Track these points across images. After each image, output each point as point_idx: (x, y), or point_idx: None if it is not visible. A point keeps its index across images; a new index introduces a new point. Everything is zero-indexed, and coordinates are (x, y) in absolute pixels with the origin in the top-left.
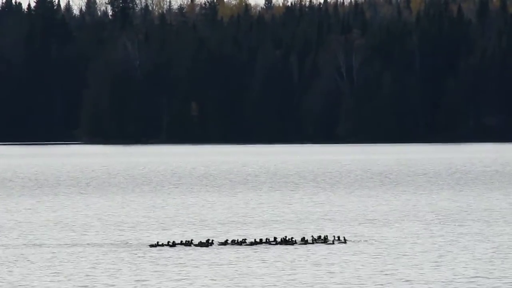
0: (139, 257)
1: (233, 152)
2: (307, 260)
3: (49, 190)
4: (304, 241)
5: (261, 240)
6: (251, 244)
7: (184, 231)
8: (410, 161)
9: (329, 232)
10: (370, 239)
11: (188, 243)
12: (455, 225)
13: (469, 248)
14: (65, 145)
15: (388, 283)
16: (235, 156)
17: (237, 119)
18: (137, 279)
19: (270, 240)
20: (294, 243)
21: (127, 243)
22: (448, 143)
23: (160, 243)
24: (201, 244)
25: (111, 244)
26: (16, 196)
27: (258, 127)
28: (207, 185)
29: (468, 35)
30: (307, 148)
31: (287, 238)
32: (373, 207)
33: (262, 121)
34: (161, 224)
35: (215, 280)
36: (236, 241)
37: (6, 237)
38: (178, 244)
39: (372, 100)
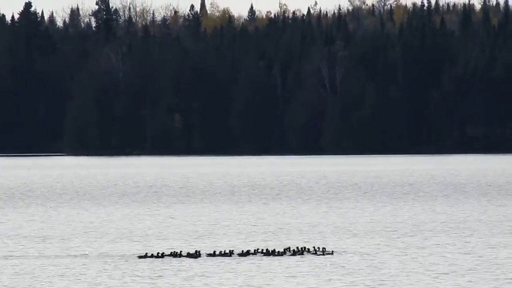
0: (128, 268)
1: (214, 164)
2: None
3: (23, 201)
4: (290, 252)
5: (248, 251)
6: (240, 255)
7: (169, 243)
8: (391, 172)
9: (312, 243)
10: (345, 251)
11: (177, 255)
12: (431, 236)
13: (447, 259)
14: (48, 157)
15: None
16: (216, 167)
17: (220, 131)
18: None
19: (258, 251)
20: (281, 254)
21: (108, 255)
22: (432, 155)
23: (148, 255)
24: (189, 255)
25: (92, 255)
26: None
27: (242, 138)
28: (187, 196)
29: (451, 47)
30: (291, 160)
31: (273, 250)
32: (349, 218)
33: (245, 133)
34: (144, 236)
35: None
36: (224, 252)
37: None
38: (167, 255)
39: (355, 111)
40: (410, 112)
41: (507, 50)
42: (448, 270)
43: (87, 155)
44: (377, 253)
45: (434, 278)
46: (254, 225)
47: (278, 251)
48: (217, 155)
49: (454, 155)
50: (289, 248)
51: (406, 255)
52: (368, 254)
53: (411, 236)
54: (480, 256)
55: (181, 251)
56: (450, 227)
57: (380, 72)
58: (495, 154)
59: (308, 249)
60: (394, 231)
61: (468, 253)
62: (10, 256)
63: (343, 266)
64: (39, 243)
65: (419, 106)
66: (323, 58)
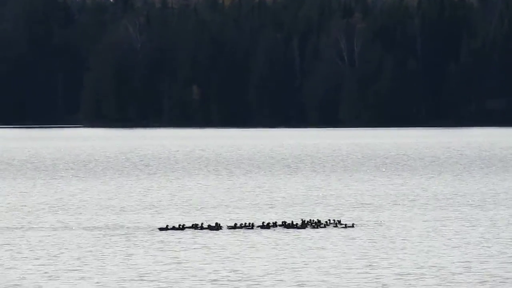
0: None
1: (233, 136)
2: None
3: (45, 173)
4: (313, 225)
5: (268, 224)
6: (261, 227)
7: (184, 215)
8: (408, 145)
9: (329, 216)
10: (363, 223)
11: (198, 227)
12: (448, 209)
13: (461, 232)
14: (66, 129)
15: (380, 267)
16: (234, 139)
17: (238, 103)
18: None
19: (278, 223)
20: (303, 227)
21: (124, 226)
22: (450, 127)
23: (170, 227)
24: (210, 228)
25: (108, 227)
26: (11, 179)
27: (260, 111)
28: (204, 168)
29: (470, 19)
30: (309, 132)
31: (294, 223)
32: (367, 191)
33: (263, 105)
34: (162, 208)
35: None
36: (244, 225)
37: None
38: (187, 227)
39: (373, 84)
40: (428, 85)
41: None
42: (462, 242)
43: (104, 127)
44: (396, 227)
45: (446, 251)
46: (270, 198)
47: (296, 224)
48: (235, 127)
49: (473, 128)
50: (310, 220)
51: (427, 227)
52: (388, 226)
53: (429, 209)
54: (490, 229)
55: (202, 224)
56: (467, 200)
57: (398, 45)
58: None
59: (327, 221)
60: (413, 203)
61: (479, 226)
62: (32, 227)
63: (362, 239)
64: (66, 215)
65: (438, 79)
66: (341, 31)
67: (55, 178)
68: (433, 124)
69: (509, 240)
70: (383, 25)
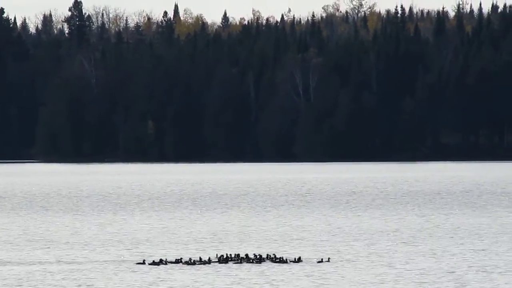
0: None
1: (184, 171)
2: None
3: None
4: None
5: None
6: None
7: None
8: (362, 179)
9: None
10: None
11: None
12: (402, 243)
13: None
14: (20, 164)
15: None
16: (184, 175)
17: (194, 138)
18: None
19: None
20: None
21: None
22: (406, 162)
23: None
24: (153, 263)
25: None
26: None
27: (215, 145)
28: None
29: (425, 54)
30: (263, 167)
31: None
32: (303, 226)
33: (219, 140)
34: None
35: None
36: (189, 261)
37: None
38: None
39: (329, 118)
40: (384, 120)
41: (480, 57)
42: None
43: (59, 162)
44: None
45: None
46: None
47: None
48: (190, 162)
49: (428, 162)
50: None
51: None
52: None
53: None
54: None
55: (181, 258)
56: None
57: (353, 79)
58: (468, 161)
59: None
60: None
61: (431, 257)
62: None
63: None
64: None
65: (393, 114)
66: (297, 65)
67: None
68: (389, 159)
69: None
70: (338, 60)
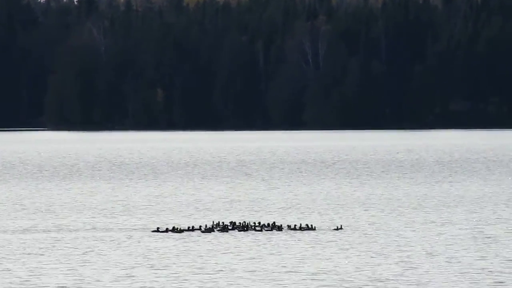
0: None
1: (193, 139)
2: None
3: (8, 176)
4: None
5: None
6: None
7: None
8: (367, 147)
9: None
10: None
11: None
12: (401, 213)
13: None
14: (29, 132)
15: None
16: (192, 143)
17: (203, 106)
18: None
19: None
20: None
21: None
22: (415, 130)
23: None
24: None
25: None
26: None
27: (224, 113)
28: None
29: (434, 22)
30: (272, 135)
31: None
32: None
33: (228, 108)
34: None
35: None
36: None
37: None
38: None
39: (338, 86)
40: (393, 87)
41: (489, 25)
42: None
43: (69, 130)
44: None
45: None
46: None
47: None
48: (199, 130)
49: (437, 130)
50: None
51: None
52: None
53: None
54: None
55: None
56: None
57: (362, 47)
58: (477, 129)
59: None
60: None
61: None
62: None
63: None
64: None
65: (402, 81)
66: (306, 33)
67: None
68: (398, 127)
69: (459, 239)
70: (347, 27)
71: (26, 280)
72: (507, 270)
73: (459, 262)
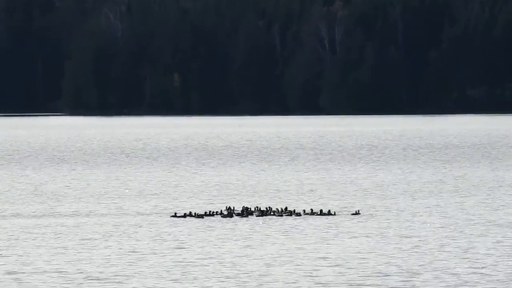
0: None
1: (209, 124)
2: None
3: (28, 162)
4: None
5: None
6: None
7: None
8: (387, 133)
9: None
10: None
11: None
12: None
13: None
14: (46, 117)
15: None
16: (213, 128)
17: (219, 91)
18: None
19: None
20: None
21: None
22: (431, 115)
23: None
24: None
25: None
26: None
27: (241, 98)
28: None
29: (451, 6)
30: (288, 120)
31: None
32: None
33: (244, 92)
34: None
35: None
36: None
37: None
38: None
39: (354, 71)
40: (409, 73)
41: (507, 10)
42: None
43: (86, 115)
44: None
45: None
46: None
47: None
48: (216, 115)
49: (453, 115)
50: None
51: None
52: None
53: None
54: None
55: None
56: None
57: (379, 32)
58: (494, 114)
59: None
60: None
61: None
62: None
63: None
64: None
65: (419, 67)
66: (323, 18)
67: (39, 167)
68: (414, 112)
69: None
70: (364, 12)
71: (48, 264)
72: None
73: (474, 248)
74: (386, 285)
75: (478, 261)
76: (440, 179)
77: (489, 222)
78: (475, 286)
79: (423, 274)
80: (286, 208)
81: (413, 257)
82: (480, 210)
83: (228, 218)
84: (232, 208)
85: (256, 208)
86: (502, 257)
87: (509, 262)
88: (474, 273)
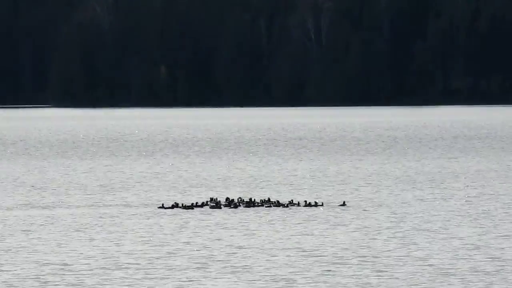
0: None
1: (196, 116)
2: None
3: (7, 154)
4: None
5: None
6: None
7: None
8: (372, 124)
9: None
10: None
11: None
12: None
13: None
14: (32, 109)
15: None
16: (199, 119)
17: (206, 82)
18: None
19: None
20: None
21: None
22: (417, 106)
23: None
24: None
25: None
26: None
27: (227, 90)
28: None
29: None
30: (275, 111)
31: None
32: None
33: (231, 85)
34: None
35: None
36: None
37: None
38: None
39: (340, 63)
40: (395, 64)
41: (491, 3)
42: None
43: (73, 106)
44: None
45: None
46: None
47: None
48: (203, 107)
49: (439, 106)
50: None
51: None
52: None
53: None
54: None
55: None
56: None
57: (365, 24)
58: (478, 105)
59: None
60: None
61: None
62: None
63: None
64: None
65: (404, 58)
66: (309, 10)
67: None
68: (400, 103)
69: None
70: (350, 4)
71: (31, 255)
72: (505, 246)
73: (457, 238)
74: (371, 276)
75: (460, 250)
76: (424, 170)
77: (473, 213)
78: (461, 273)
79: (409, 265)
80: (269, 199)
81: (398, 248)
82: (461, 200)
83: (216, 209)
84: (217, 199)
85: (241, 200)
86: (490, 246)
87: (493, 249)
88: (458, 260)
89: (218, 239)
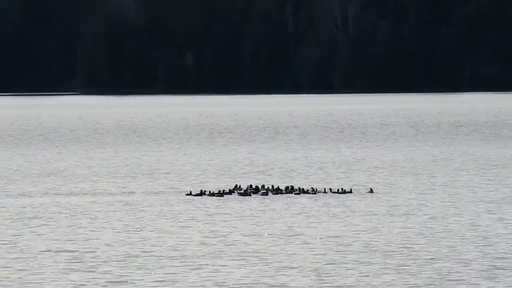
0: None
1: (222, 103)
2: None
3: (38, 141)
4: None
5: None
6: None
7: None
8: (399, 111)
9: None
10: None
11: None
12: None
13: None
14: (59, 96)
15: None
16: (221, 107)
17: (232, 70)
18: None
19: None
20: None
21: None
22: (444, 93)
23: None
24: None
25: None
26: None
27: (254, 77)
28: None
29: None
30: (301, 99)
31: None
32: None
33: (257, 71)
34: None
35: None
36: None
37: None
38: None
39: (367, 50)
40: (422, 51)
41: None
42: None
43: (99, 94)
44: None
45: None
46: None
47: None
48: (229, 94)
49: (466, 93)
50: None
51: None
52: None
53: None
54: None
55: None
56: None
57: (392, 10)
58: (507, 92)
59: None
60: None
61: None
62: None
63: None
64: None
65: (431, 45)
66: None
67: (58, 147)
68: (427, 90)
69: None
70: None
71: (58, 243)
72: None
73: (478, 226)
74: (393, 263)
75: (484, 239)
76: (448, 157)
77: (498, 200)
78: (482, 264)
79: (431, 253)
80: (298, 187)
81: (422, 236)
82: (489, 187)
83: (246, 197)
84: (239, 187)
85: (267, 187)
86: (506, 234)
87: None
88: (481, 251)
89: (258, 225)
